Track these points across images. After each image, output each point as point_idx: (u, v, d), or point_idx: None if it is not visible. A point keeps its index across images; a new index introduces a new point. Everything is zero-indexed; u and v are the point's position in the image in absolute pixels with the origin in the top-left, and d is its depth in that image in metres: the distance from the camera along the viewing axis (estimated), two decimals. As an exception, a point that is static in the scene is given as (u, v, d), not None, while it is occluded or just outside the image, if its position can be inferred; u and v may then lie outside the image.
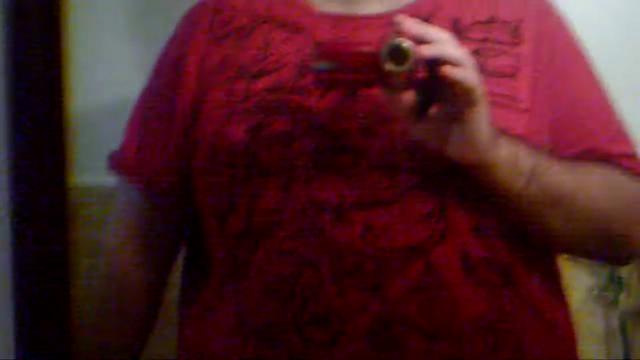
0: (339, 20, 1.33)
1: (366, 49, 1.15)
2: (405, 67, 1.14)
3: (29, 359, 0.98)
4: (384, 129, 1.26)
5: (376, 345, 1.22)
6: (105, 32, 1.97)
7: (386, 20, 1.27)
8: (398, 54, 1.14)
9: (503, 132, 1.24)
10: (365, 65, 1.15)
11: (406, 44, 1.14)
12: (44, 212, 0.98)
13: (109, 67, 1.93)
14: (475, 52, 1.25)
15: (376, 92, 1.23)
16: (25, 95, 0.95)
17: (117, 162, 1.43)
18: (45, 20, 0.95)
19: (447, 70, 1.16)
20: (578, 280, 2.11)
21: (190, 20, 1.43)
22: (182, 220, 1.42)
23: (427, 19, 1.26)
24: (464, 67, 1.17)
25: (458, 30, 1.30)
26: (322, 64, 1.16)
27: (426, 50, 1.15)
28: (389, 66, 1.14)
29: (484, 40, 1.31)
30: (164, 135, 1.38)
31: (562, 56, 1.35)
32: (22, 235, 0.96)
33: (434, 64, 1.16)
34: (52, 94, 0.96)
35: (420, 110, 1.20)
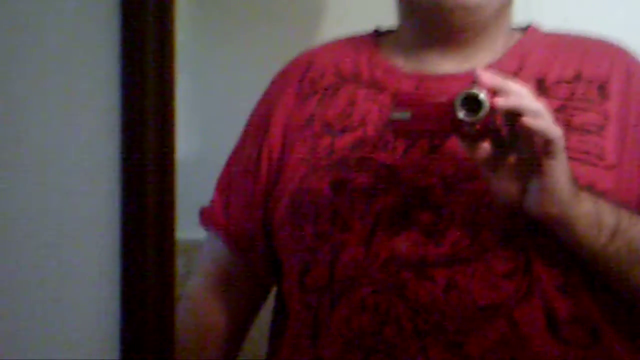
0: (421, 79, 1.34)
1: (441, 98, 1.17)
2: (479, 117, 1.14)
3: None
4: (466, 186, 1.26)
5: None
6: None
7: (468, 79, 1.27)
8: (472, 104, 1.15)
9: (588, 188, 1.23)
10: (440, 115, 1.16)
11: (480, 93, 1.15)
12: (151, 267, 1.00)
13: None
14: (560, 109, 1.25)
15: (459, 148, 1.23)
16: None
17: (205, 217, 1.46)
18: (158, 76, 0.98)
19: (528, 120, 1.15)
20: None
21: (282, 77, 1.46)
22: (265, 273, 1.43)
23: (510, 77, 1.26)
24: (543, 119, 1.16)
25: (543, 88, 1.30)
26: (399, 114, 1.18)
27: (503, 102, 1.15)
28: (462, 115, 1.15)
29: (569, 97, 1.31)
30: (249, 191, 1.41)
31: None
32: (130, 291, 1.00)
33: (512, 115, 1.16)
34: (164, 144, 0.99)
35: (497, 162, 1.19)
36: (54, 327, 0.96)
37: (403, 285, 1.24)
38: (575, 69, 1.34)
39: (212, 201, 1.46)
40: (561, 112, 1.26)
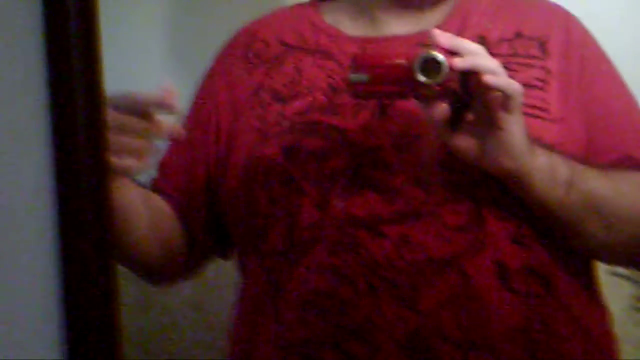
0: (367, 42, 1.36)
1: (400, 61, 1.17)
2: (438, 79, 1.16)
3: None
4: (417, 144, 1.28)
5: (413, 357, 1.23)
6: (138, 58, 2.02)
7: (414, 40, 1.29)
8: (431, 66, 1.16)
9: (537, 141, 1.25)
10: (398, 77, 1.17)
11: (439, 56, 1.16)
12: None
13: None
14: (504, 67, 1.27)
15: (408, 108, 1.25)
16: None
17: (151, 180, 1.46)
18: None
19: (488, 78, 1.17)
20: (621, 290, 2.10)
21: (226, 51, 1.47)
22: (203, 242, 1.45)
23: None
24: (501, 76, 1.18)
25: (485, 46, 1.31)
26: (357, 76, 1.18)
27: (460, 62, 1.17)
28: (422, 78, 1.16)
29: (512, 54, 1.33)
30: (192, 161, 1.42)
31: (590, 67, 1.36)
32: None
33: (468, 75, 1.18)
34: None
35: (454, 121, 1.21)
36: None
37: (358, 244, 1.26)
38: (515, 27, 1.36)
39: (158, 165, 1.46)
40: (505, 70, 1.28)
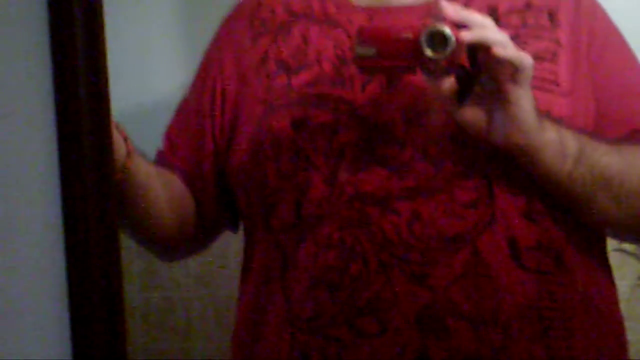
0: (374, 12, 1.34)
1: (407, 34, 1.15)
2: (446, 53, 1.14)
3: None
4: (427, 119, 1.27)
5: (424, 334, 1.23)
6: (148, 29, 2.02)
7: (422, 11, 1.28)
8: (438, 40, 1.14)
9: (546, 114, 1.23)
10: (405, 51, 1.15)
11: (446, 29, 1.14)
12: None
13: (150, 66, 1.99)
14: (514, 38, 1.26)
15: (417, 81, 1.24)
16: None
17: (158, 152, 1.46)
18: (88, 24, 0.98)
19: (498, 51, 1.15)
20: (628, 268, 2.10)
21: (232, 18, 1.45)
22: (214, 216, 1.45)
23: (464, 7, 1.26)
24: (511, 48, 1.17)
25: (495, 17, 1.29)
26: (363, 50, 1.16)
27: (468, 35, 1.15)
28: (429, 52, 1.14)
29: (522, 26, 1.32)
30: (199, 134, 1.41)
31: (600, 39, 1.35)
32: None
33: (476, 48, 1.16)
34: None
35: (462, 95, 1.20)
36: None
37: (368, 220, 1.25)
38: None
39: (164, 137, 1.46)
40: (515, 41, 1.26)
